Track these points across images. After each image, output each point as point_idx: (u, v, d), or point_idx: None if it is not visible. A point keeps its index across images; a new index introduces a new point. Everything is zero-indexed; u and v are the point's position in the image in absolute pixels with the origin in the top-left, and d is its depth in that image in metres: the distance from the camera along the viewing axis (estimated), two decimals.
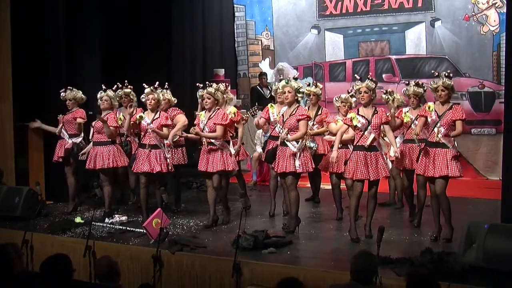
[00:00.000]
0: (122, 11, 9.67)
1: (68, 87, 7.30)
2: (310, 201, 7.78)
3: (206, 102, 6.41)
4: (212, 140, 6.41)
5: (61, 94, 7.27)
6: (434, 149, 5.77)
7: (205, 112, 6.52)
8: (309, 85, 7.38)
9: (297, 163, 6.07)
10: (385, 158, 6.09)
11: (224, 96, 7.05)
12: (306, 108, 6.83)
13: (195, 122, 6.65)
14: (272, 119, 6.90)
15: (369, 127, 5.80)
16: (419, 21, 9.97)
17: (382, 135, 6.18)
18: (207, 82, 6.63)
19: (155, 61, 10.14)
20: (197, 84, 6.65)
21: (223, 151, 6.42)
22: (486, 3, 9.44)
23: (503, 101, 6.64)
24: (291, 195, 6.20)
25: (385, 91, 7.14)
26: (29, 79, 7.89)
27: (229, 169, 6.48)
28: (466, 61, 9.63)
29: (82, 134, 7.35)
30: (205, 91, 6.41)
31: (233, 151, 6.54)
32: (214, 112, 6.43)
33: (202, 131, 6.43)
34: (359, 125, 5.83)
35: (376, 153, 5.82)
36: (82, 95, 7.35)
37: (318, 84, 7.38)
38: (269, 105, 7.05)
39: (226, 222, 6.67)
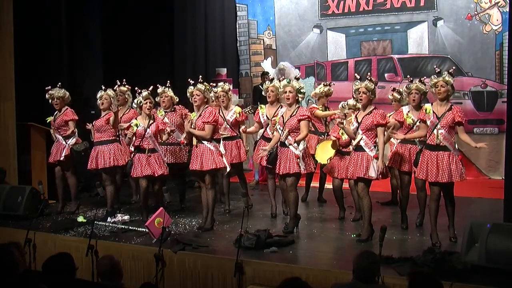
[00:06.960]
0: (124, 11, 9.67)
1: (58, 85, 7.06)
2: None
3: (195, 99, 6.19)
4: (202, 140, 6.19)
5: (49, 92, 6.99)
6: (436, 152, 5.53)
7: (196, 112, 6.30)
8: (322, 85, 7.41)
9: (302, 164, 6.05)
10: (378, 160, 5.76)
11: (228, 95, 7.05)
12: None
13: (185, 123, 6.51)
14: (262, 120, 6.87)
15: (358, 129, 5.74)
16: (422, 20, 9.93)
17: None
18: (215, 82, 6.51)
19: (156, 61, 10.10)
20: (188, 80, 6.40)
21: (213, 151, 6.19)
22: (489, 2, 9.38)
23: (506, 101, 6.63)
24: (290, 195, 6.14)
25: (395, 90, 6.89)
26: (31, 78, 7.90)
27: (220, 166, 6.24)
28: (468, 60, 9.60)
29: (76, 131, 7.17)
30: (195, 87, 6.19)
31: (223, 151, 6.30)
32: (203, 111, 6.21)
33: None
34: (352, 127, 5.83)
35: (362, 154, 5.71)
36: (69, 95, 7.16)
37: (330, 84, 7.42)
38: (258, 107, 7.04)
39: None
